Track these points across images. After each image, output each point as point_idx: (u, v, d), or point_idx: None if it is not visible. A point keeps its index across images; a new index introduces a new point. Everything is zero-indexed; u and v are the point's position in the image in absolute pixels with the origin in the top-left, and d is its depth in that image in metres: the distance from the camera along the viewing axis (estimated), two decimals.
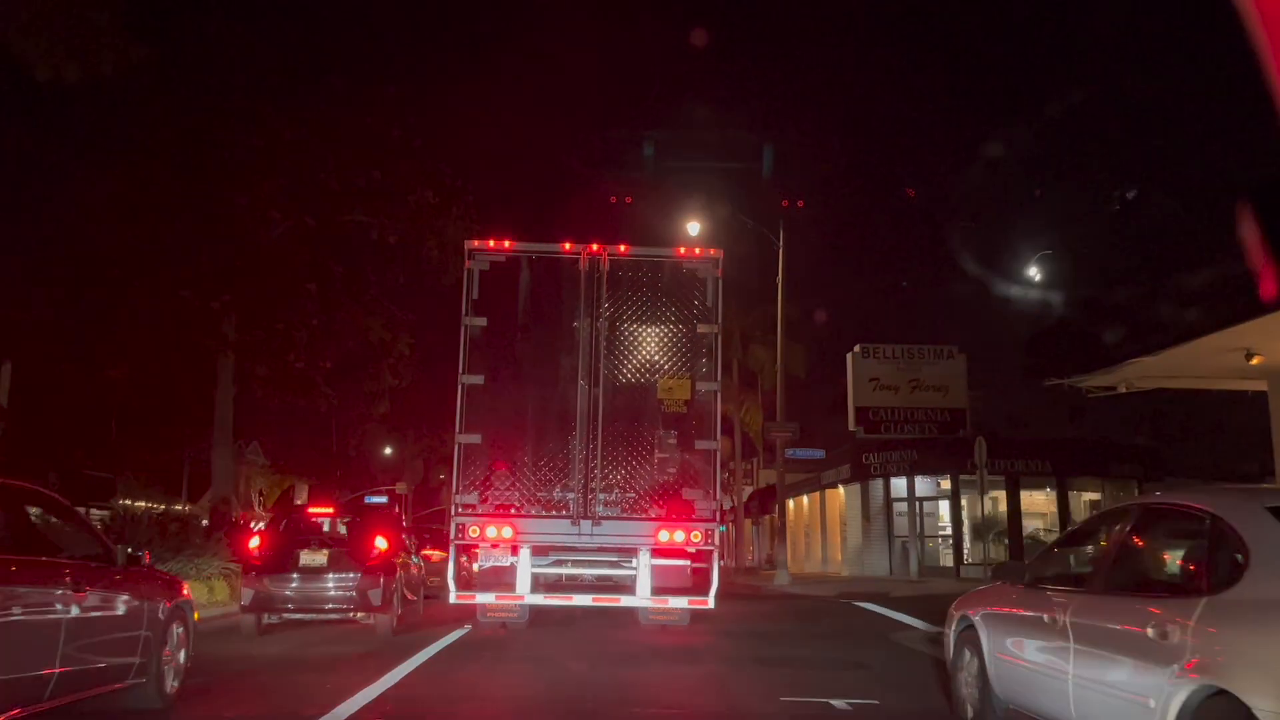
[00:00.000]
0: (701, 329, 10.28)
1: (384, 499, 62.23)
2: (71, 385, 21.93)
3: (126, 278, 16.42)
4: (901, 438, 27.73)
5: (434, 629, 11.48)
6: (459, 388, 10.08)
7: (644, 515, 9.90)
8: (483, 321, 10.20)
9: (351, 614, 11.02)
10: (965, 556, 26.52)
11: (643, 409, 10.15)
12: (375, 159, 18.78)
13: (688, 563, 10.24)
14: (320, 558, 10.91)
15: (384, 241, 19.09)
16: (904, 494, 28.01)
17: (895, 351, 28.18)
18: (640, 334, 10.24)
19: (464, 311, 10.24)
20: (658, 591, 9.97)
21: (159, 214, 16.07)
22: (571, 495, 9.91)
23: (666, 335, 10.25)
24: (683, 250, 10.74)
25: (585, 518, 9.88)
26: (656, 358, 10.22)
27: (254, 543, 11.24)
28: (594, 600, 10.29)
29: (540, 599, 10.15)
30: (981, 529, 26.37)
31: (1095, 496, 28.22)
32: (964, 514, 26.78)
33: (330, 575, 10.89)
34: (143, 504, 32.71)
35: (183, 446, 32.27)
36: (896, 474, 27.87)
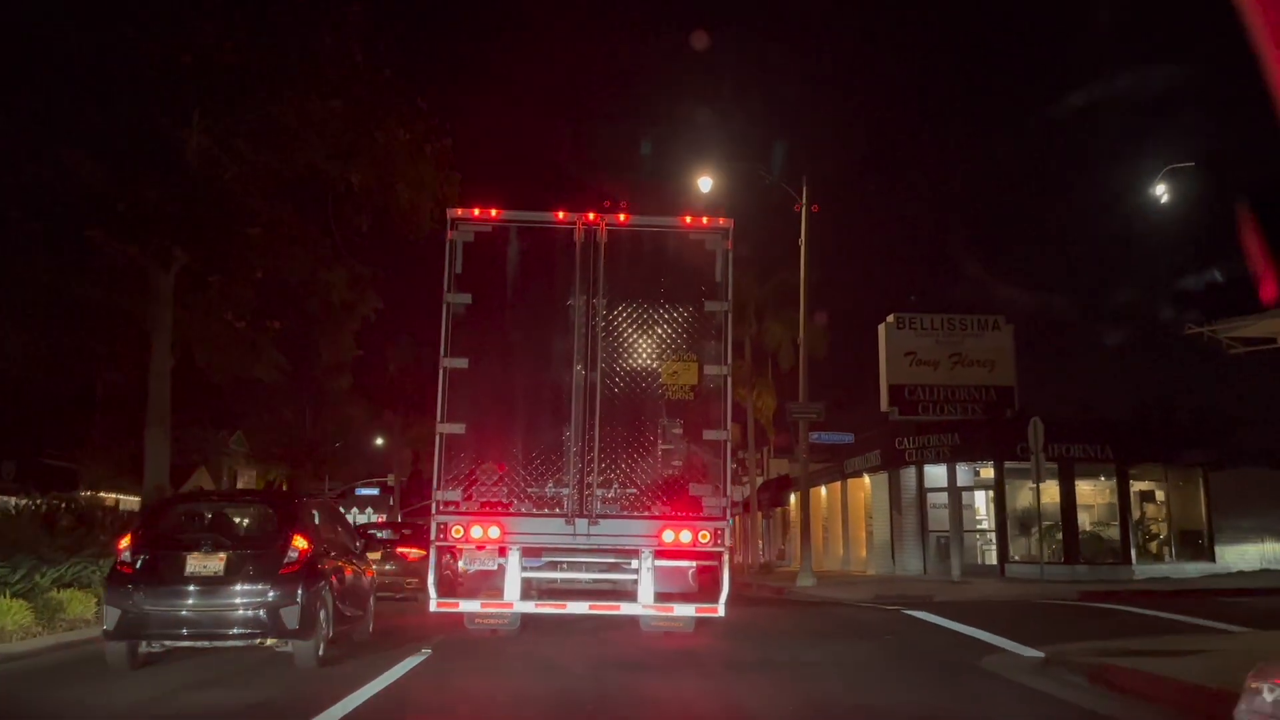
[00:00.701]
0: (710, 307, 9.43)
1: (376, 490, 60.09)
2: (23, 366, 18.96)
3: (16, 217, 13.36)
4: (941, 419, 24.63)
5: (379, 654, 9.02)
6: (440, 372, 9.21)
7: (646, 513, 9.11)
8: (467, 299, 9.31)
9: (260, 640, 8.05)
10: (1010, 554, 23.57)
11: (644, 396, 9.32)
12: (333, 85, 15.89)
13: (694, 565, 9.53)
14: (214, 563, 7.93)
15: (345, 182, 16.16)
16: (942, 483, 24.98)
17: (935, 322, 24.99)
18: (642, 313, 9.42)
19: (446, 287, 9.34)
20: (661, 597, 9.20)
21: (60, 138, 13.05)
22: (566, 491, 9.09)
23: (671, 314, 9.42)
24: (689, 220, 9.77)
25: (581, 516, 9.06)
26: (660, 339, 9.40)
27: (124, 543, 8.17)
28: (590, 607, 9.35)
29: (531, 607, 9.31)
30: (1027, 523, 23.39)
31: (1146, 486, 25.16)
32: (1007, 506, 23.79)
33: (230, 588, 7.93)
34: (114, 496, 30.06)
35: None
36: (934, 461, 24.81)
